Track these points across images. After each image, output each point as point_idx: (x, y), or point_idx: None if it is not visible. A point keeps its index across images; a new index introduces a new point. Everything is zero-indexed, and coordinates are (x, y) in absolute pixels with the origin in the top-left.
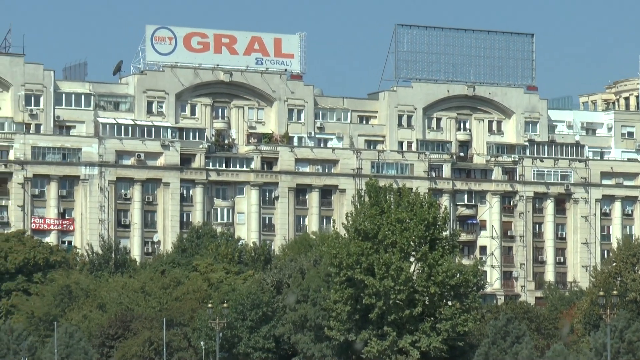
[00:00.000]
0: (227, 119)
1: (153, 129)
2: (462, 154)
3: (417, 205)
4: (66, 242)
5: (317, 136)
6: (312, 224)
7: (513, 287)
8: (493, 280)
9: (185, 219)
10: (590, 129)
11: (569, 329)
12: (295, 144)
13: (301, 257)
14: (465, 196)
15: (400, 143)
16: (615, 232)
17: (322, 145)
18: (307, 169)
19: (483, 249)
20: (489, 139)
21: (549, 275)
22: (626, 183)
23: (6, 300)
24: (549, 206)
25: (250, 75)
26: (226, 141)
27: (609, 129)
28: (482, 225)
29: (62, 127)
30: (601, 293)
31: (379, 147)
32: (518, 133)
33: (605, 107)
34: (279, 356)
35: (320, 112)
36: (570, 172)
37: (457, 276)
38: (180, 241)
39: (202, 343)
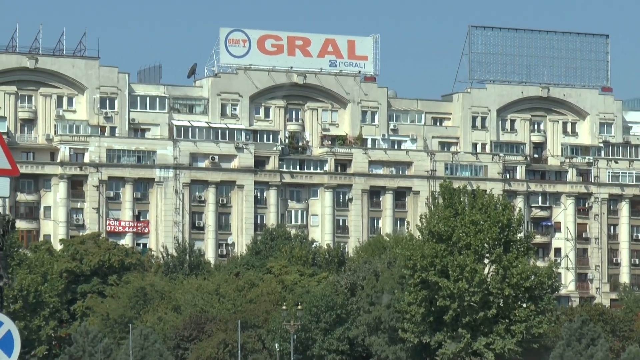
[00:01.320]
0: (301, 121)
1: (227, 131)
2: (536, 156)
3: (491, 207)
4: (141, 245)
5: (390, 138)
6: (385, 226)
7: (588, 289)
8: (568, 283)
9: (259, 221)
10: None
11: None
12: (369, 145)
13: (375, 259)
14: (540, 198)
15: (474, 145)
16: None
17: (396, 147)
18: (380, 171)
19: (557, 251)
20: (564, 141)
21: (624, 277)
22: None
23: (81, 303)
24: (624, 208)
25: (324, 77)
26: (300, 143)
27: None
28: (557, 227)
29: (136, 130)
30: None
31: (452, 148)
32: (592, 134)
33: None
34: (353, 358)
35: (394, 114)
36: None
37: (532, 278)
38: (255, 243)
39: (276, 345)
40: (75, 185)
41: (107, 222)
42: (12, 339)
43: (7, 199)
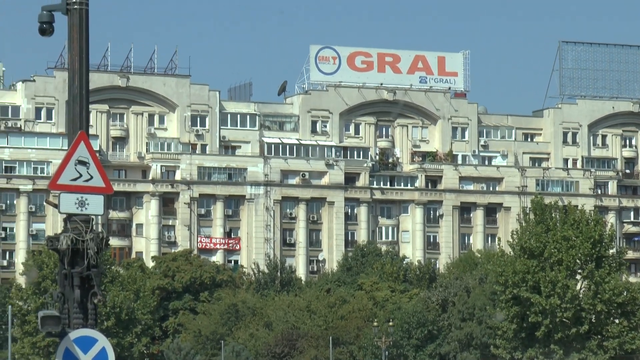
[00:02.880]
0: (391, 137)
1: (317, 148)
2: (628, 171)
3: (582, 222)
4: (232, 261)
5: (481, 154)
6: (477, 242)
7: None
8: None
9: (350, 238)
10: None
11: None
12: (460, 162)
13: (466, 275)
14: (632, 213)
15: (565, 160)
16: None
17: (487, 163)
18: (471, 187)
19: None
20: None
21: None
22: None
23: (174, 319)
24: None
25: (414, 93)
26: (390, 160)
27: None
28: None
29: (227, 147)
30: None
31: (543, 164)
32: None
33: None
34: None
35: (485, 130)
36: None
37: (624, 294)
38: (345, 260)
39: None
40: (167, 203)
41: (199, 239)
42: (107, 356)
43: (100, 217)
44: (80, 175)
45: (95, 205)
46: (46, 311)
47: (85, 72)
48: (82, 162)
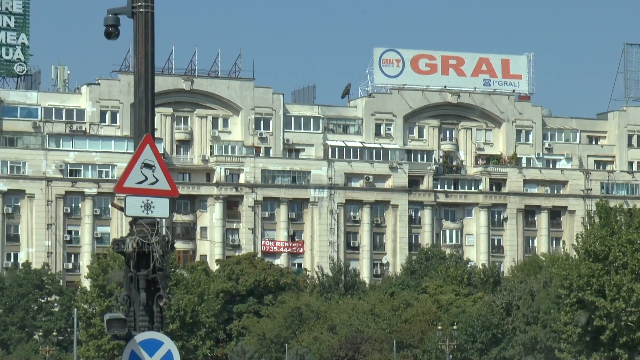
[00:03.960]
0: (455, 140)
1: (381, 151)
2: None
3: None
4: (296, 264)
5: (545, 157)
6: (541, 245)
7: None
8: None
9: (413, 241)
10: None
11: None
12: (524, 165)
13: (531, 278)
14: None
15: (630, 163)
16: None
17: (551, 166)
18: (535, 190)
19: None
20: None
21: None
22: None
23: (238, 322)
24: None
25: (478, 96)
26: (454, 163)
27: None
28: None
29: (291, 150)
30: None
31: (608, 167)
32: None
33: None
34: None
35: (549, 133)
36: None
37: None
38: (409, 263)
39: None
40: (231, 206)
41: (263, 242)
42: (172, 359)
43: (165, 220)
44: (146, 178)
45: (160, 208)
46: (112, 314)
47: (150, 75)
48: (147, 165)
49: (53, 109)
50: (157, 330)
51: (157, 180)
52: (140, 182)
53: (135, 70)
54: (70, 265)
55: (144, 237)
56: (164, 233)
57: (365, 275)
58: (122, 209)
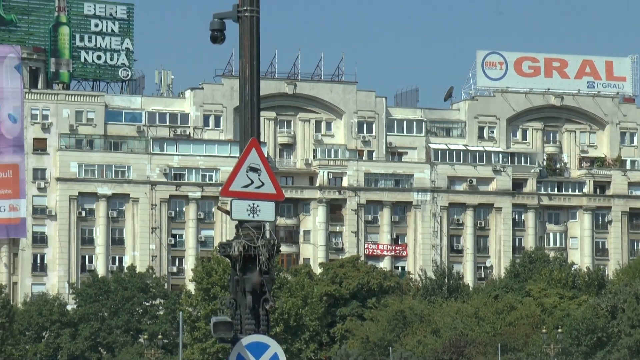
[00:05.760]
0: (558, 143)
1: (485, 154)
2: None
3: None
4: (399, 268)
5: None
6: None
7: None
8: None
9: (517, 244)
10: None
11: None
12: (628, 167)
13: (636, 281)
14: None
15: None
16: None
17: None
18: None
19: None
20: None
21: None
22: None
23: (341, 325)
24: None
25: (582, 98)
26: (558, 165)
27: None
28: None
29: (394, 154)
30: None
31: None
32: None
33: None
34: None
35: None
36: None
37: None
38: (513, 266)
39: None
40: (334, 209)
41: (366, 245)
42: None
43: (269, 223)
44: (252, 182)
45: (266, 211)
46: (218, 317)
47: (256, 79)
48: (253, 169)
49: (157, 113)
50: (263, 333)
51: (262, 184)
52: (246, 186)
53: (240, 74)
54: (174, 269)
55: (250, 241)
56: (270, 236)
57: (468, 279)
58: (228, 213)
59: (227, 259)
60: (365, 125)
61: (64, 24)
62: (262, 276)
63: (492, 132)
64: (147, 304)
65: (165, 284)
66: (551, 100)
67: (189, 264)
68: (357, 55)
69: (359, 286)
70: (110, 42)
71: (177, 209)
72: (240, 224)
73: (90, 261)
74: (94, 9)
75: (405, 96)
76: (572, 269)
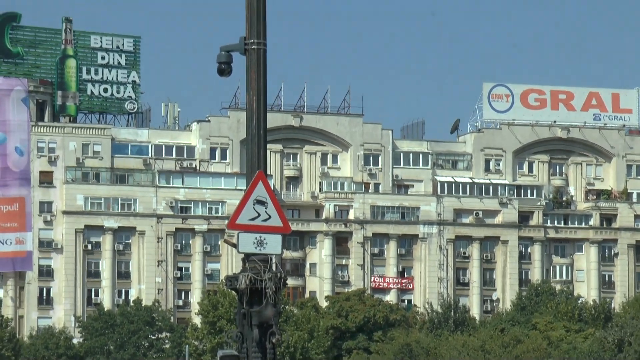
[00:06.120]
0: (564, 175)
1: (491, 186)
2: None
3: None
4: (405, 301)
5: None
6: None
7: None
8: None
9: (523, 277)
10: None
11: None
12: (635, 200)
13: None
14: None
15: None
16: None
17: None
18: None
19: None
20: None
21: None
22: None
23: (347, 359)
24: None
25: (588, 131)
26: (564, 198)
27: None
28: None
29: (400, 186)
30: None
31: None
32: None
33: None
34: None
35: None
36: None
37: None
38: (519, 299)
39: None
40: (340, 242)
41: (372, 278)
42: None
43: (275, 256)
44: (259, 215)
45: (273, 244)
46: (225, 350)
47: (263, 112)
48: (260, 202)
49: (163, 146)
50: None
51: (269, 217)
52: (253, 219)
53: (247, 107)
54: (180, 302)
55: (257, 274)
56: (276, 269)
57: (475, 312)
58: (234, 246)
59: (233, 292)
60: (371, 158)
61: (71, 57)
62: (274, 308)
63: (499, 164)
64: (153, 337)
65: (171, 317)
66: (557, 132)
67: (195, 297)
68: (363, 88)
69: (365, 319)
70: (117, 75)
71: (183, 242)
72: (247, 257)
73: (97, 294)
74: (101, 42)
75: (412, 129)
76: (579, 301)
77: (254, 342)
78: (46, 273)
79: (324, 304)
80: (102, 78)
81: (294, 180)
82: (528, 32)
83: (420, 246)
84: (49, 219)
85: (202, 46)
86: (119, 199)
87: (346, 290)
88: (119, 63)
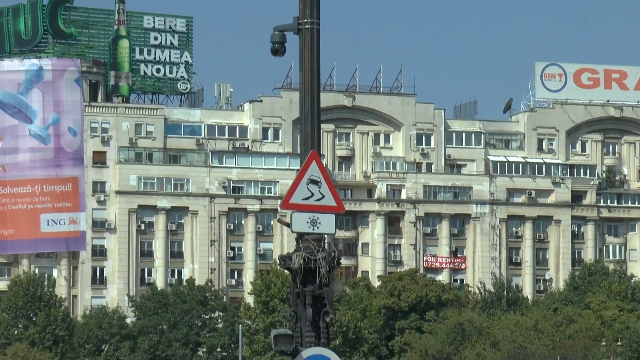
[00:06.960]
0: (618, 154)
1: (544, 166)
2: None
3: None
4: (458, 280)
5: None
6: None
7: None
8: None
9: (576, 256)
10: None
11: None
12: None
13: None
14: None
15: None
16: None
17: None
18: None
19: None
20: None
21: None
22: None
23: (399, 338)
24: None
25: None
26: (617, 177)
27: None
28: None
29: (452, 166)
30: None
31: None
32: None
33: None
34: None
35: None
36: None
37: None
38: (572, 279)
39: None
40: (393, 222)
41: (425, 258)
42: None
43: (328, 236)
44: (312, 195)
45: (326, 224)
46: (279, 329)
47: (316, 92)
48: (314, 182)
49: (216, 126)
50: (324, 345)
51: (323, 197)
52: (307, 199)
53: (301, 87)
54: (233, 282)
55: (311, 253)
56: (330, 249)
57: (527, 291)
58: (288, 225)
59: (286, 271)
60: (424, 138)
61: (124, 37)
62: (322, 289)
63: (552, 144)
64: (206, 316)
65: (224, 297)
66: (610, 111)
67: (248, 276)
68: (415, 67)
69: (418, 299)
70: (170, 55)
71: (236, 221)
72: (301, 237)
73: (150, 274)
74: (154, 22)
75: (464, 108)
76: (632, 281)
77: (307, 322)
78: (99, 253)
79: (376, 283)
80: (154, 58)
81: (347, 160)
82: (582, 10)
83: (472, 226)
84: (102, 199)
85: (254, 26)
86: (172, 179)
87: (398, 270)
88: (171, 43)
